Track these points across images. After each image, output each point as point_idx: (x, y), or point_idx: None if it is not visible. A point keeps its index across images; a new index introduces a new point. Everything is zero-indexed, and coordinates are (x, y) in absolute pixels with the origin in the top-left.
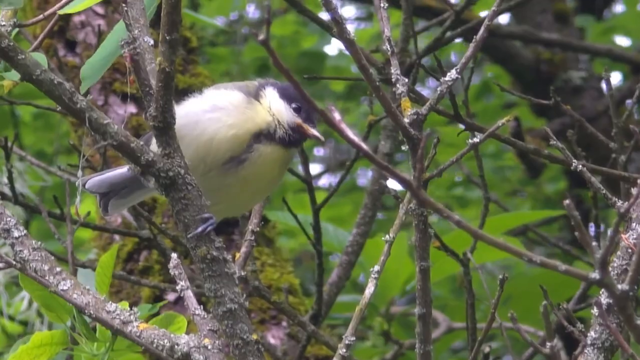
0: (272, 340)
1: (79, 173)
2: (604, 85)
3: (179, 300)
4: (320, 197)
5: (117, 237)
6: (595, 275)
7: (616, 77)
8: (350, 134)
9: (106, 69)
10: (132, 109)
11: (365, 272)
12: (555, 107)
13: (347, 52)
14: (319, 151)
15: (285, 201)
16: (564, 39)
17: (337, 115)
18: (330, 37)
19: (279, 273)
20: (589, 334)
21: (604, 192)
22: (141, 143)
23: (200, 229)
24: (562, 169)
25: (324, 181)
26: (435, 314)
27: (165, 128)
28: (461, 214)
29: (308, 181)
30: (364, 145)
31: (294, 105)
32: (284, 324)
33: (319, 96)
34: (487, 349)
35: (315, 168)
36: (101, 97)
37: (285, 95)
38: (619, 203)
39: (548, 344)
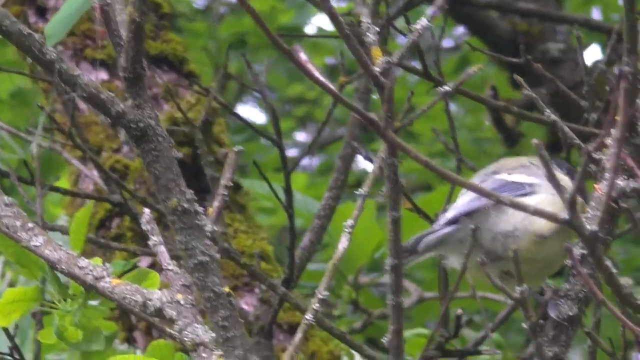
0: (245, 307)
1: (38, 130)
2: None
3: (153, 267)
4: (300, 179)
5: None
6: (564, 215)
7: (595, 49)
8: (317, 74)
9: (71, 26)
10: (103, 75)
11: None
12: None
13: (325, 28)
14: (299, 135)
15: (256, 164)
16: (541, 8)
17: (303, 56)
18: (309, 13)
19: (251, 239)
20: (562, 285)
21: (576, 142)
22: (112, 95)
23: None
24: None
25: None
26: (407, 284)
27: (135, 79)
28: (439, 187)
29: (279, 143)
30: (330, 85)
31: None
32: (257, 290)
33: (299, 73)
34: (459, 311)
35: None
36: (72, 64)
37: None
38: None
39: (518, 288)
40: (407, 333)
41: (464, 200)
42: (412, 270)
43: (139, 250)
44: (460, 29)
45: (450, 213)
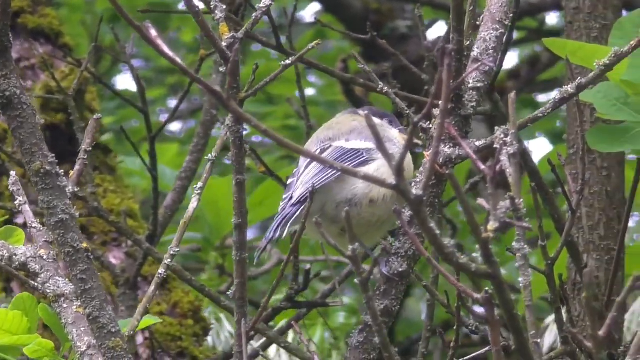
0: (112, 260)
1: None
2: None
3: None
4: (172, 149)
5: None
6: (391, 181)
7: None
8: (166, 49)
9: None
10: None
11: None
12: (379, 50)
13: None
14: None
15: (123, 130)
16: None
17: (153, 32)
18: None
19: (120, 199)
20: (393, 244)
21: (407, 112)
22: None
23: None
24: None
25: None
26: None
27: (2, 51)
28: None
29: (144, 111)
30: (177, 59)
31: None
32: (124, 245)
33: (173, 47)
34: (307, 266)
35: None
36: None
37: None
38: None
39: (350, 246)
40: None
41: (309, 175)
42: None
43: (15, 208)
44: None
45: (298, 191)
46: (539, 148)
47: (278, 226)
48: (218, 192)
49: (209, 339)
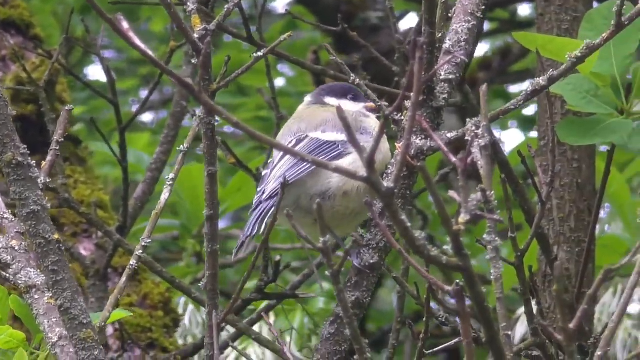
0: (83, 252)
1: None
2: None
3: None
4: (143, 138)
5: None
6: (362, 173)
7: (412, 17)
8: (137, 41)
9: None
10: None
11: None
12: (351, 41)
13: None
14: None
15: (93, 120)
16: None
17: (124, 24)
18: None
19: (90, 190)
20: (365, 236)
21: (379, 103)
22: None
23: None
24: None
25: (148, 118)
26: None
27: None
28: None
29: (115, 103)
30: (148, 51)
31: (350, 96)
32: (94, 237)
33: (140, 38)
34: (277, 257)
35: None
36: None
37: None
38: (388, 109)
39: (321, 239)
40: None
41: (282, 168)
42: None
43: None
44: None
45: (270, 185)
46: (512, 138)
47: (255, 222)
48: (197, 179)
49: (185, 322)
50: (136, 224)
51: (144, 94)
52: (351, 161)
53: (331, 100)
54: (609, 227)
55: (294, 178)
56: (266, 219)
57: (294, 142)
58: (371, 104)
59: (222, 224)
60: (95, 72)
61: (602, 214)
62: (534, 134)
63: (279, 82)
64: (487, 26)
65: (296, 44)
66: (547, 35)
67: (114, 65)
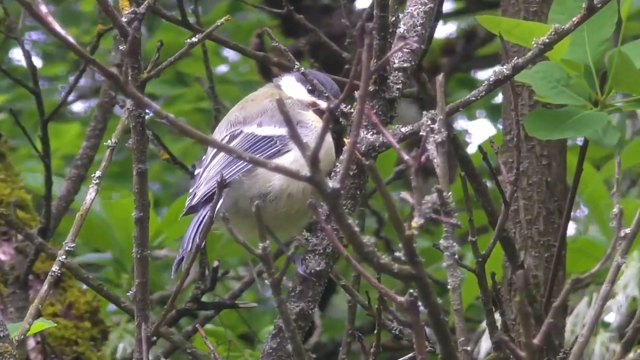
0: (1, 256)
1: None
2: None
3: None
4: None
5: None
6: (305, 172)
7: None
8: (57, 26)
9: None
10: None
11: None
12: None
13: None
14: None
15: (12, 112)
16: None
17: (43, 8)
18: None
19: (9, 188)
20: (310, 240)
21: (326, 94)
22: None
23: None
24: None
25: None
26: None
27: None
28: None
29: (36, 92)
30: (69, 38)
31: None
32: (14, 240)
33: (70, 19)
34: (215, 263)
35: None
36: None
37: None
38: (333, 102)
39: (260, 244)
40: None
41: (215, 168)
42: None
43: None
44: None
45: (202, 188)
46: (481, 130)
47: (194, 234)
48: (130, 211)
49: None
50: (60, 226)
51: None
52: (292, 159)
53: (285, 85)
54: (586, 232)
55: (230, 178)
56: (204, 228)
57: (227, 138)
58: (316, 102)
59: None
60: (20, 56)
61: (575, 214)
62: None
63: (222, 68)
64: (451, 6)
65: (241, 26)
66: (513, 18)
67: (42, 49)
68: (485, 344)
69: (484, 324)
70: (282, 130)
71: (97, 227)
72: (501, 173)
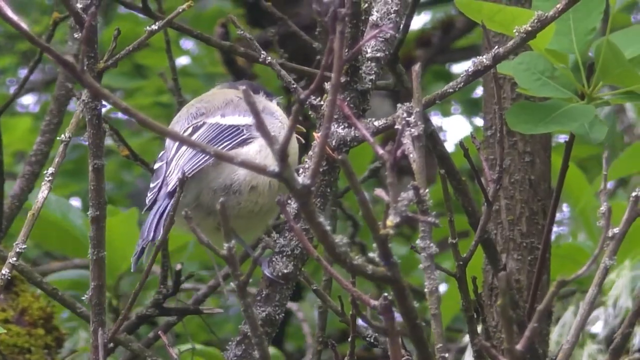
0: None
1: None
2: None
3: None
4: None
5: None
6: (274, 168)
7: None
8: (10, 12)
9: None
10: None
11: None
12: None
13: None
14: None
15: None
16: None
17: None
18: None
19: None
20: (277, 241)
21: (294, 86)
22: None
23: None
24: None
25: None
26: None
27: None
28: None
29: None
30: (23, 25)
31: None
32: None
33: (24, 8)
34: (178, 267)
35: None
36: None
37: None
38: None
39: (225, 245)
40: None
41: (182, 158)
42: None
43: None
44: None
45: (174, 177)
46: (456, 126)
47: (155, 224)
48: (112, 230)
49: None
50: (12, 226)
51: (23, 73)
52: (258, 149)
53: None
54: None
55: (193, 171)
56: (166, 221)
57: (190, 129)
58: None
59: None
60: None
61: (560, 216)
62: (481, 121)
63: (183, 60)
64: None
65: (203, 15)
66: (495, 3)
67: None
68: (470, 358)
69: (467, 337)
70: (248, 119)
71: (53, 228)
72: (483, 171)
